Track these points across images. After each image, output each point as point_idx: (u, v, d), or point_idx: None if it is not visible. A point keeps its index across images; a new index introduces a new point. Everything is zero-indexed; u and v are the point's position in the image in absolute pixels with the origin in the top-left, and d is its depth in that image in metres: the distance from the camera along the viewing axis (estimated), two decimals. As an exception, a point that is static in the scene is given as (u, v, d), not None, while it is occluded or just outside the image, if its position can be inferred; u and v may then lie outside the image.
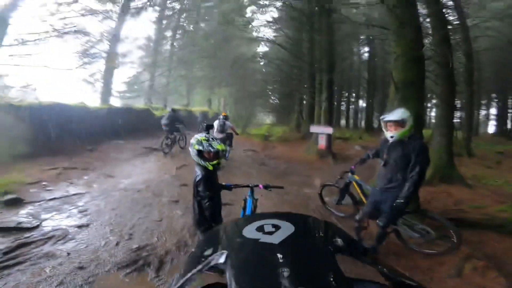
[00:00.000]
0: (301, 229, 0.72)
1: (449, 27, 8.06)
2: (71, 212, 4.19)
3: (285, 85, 19.49)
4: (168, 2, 18.20)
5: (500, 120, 23.09)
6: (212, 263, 0.65)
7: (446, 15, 8.53)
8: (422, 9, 7.00)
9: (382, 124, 2.91)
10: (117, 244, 3.34)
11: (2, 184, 4.71)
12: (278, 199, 5.46)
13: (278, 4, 14.58)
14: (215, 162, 2.42)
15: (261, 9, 15.00)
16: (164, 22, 18.92)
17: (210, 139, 2.37)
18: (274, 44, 16.63)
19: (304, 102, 18.02)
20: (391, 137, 2.79)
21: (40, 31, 11.81)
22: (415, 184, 2.67)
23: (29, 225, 3.49)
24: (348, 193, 4.33)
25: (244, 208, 2.76)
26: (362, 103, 25.84)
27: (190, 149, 2.43)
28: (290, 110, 21.67)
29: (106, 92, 14.54)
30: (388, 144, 2.90)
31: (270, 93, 22.87)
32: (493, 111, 25.30)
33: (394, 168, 2.80)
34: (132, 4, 15.32)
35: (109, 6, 14.46)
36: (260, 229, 0.71)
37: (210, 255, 0.68)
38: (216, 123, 8.03)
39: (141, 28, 19.49)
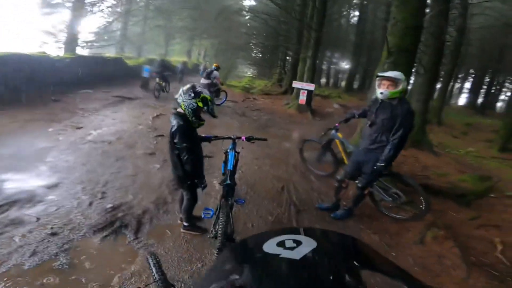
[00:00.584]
0: (323, 244, 0.71)
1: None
2: (39, 169, 3.84)
3: (270, 40, 18.88)
4: None
5: (472, 94, 24.62)
6: (232, 278, 0.63)
7: None
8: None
9: (376, 83, 2.84)
10: (90, 204, 3.15)
11: None
12: (260, 152, 5.46)
13: None
14: (202, 122, 2.36)
15: None
16: None
17: (213, 101, 2.28)
18: None
19: (288, 58, 17.86)
20: (381, 93, 2.76)
21: None
22: (396, 148, 2.71)
23: None
24: (330, 151, 4.31)
25: (226, 162, 2.63)
26: (344, 65, 25.97)
27: (183, 99, 2.25)
28: (272, 64, 21.49)
29: (71, 42, 13.01)
30: (377, 105, 2.87)
31: (253, 46, 22.17)
32: (467, 85, 26.83)
33: (380, 129, 2.81)
34: None
35: None
36: (281, 244, 0.69)
37: (230, 270, 0.68)
38: (203, 69, 9.53)
39: None
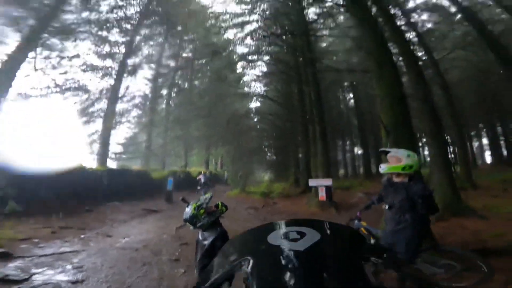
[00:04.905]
0: (327, 237, 0.73)
1: (420, 63, 8.69)
2: (65, 268, 3.88)
3: (279, 140, 19.71)
4: (163, 59, 19.05)
5: (494, 149, 22.98)
6: (236, 269, 0.65)
7: (416, 52, 9.25)
8: (393, 49, 7.62)
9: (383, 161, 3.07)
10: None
11: None
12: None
13: (266, 58, 15.55)
14: (224, 209, 2.19)
15: (250, 64, 15.88)
16: (160, 80, 19.38)
17: (198, 203, 2.11)
18: (265, 98, 17.37)
19: (300, 155, 17.99)
20: (380, 167, 2.90)
21: (43, 86, 11.95)
22: (423, 223, 2.73)
23: (17, 278, 3.21)
24: None
25: None
26: (358, 150, 25.78)
27: (190, 220, 2.05)
28: (287, 165, 21.48)
29: (104, 153, 14.32)
30: (391, 188, 2.98)
31: (266, 149, 22.91)
32: (485, 141, 25.11)
33: (400, 210, 2.84)
34: (130, 61, 16.04)
35: (108, 62, 15.00)
36: (285, 236, 0.71)
37: (234, 261, 0.68)
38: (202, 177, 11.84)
39: (138, 87, 18.63)
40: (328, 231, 0.78)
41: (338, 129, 21.19)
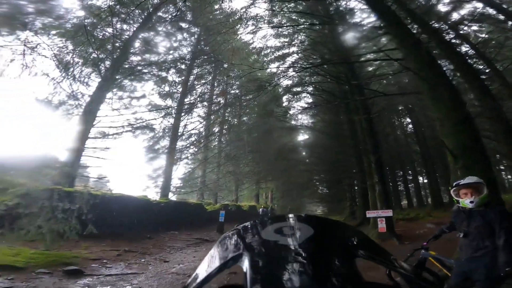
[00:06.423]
0: (320, 232, 0.73)
1: (483, 76, 7.55)
2: None
3: (331, 173, 18.75)
4: (214, 97, 20.36)
5: None
6: (230, 264, 0.66)
7: (475, 66, 8.01)
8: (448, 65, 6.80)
9: (453, 194, 2.78)
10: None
11: (68, 256, 5.18)
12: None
13: (309, 89, 15.38)
14: None
15: (295, 96, 16.00)
16: (212, 117, 20.53)
17: None
18: (312, 130, 17.22)
19: (356, 188, 17.10)
20: (471, 202, 2.61)
21: (117, 125, 13.49)
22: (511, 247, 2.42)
23: None
24: (426, 270, 3.79)
25: None
26: (422, 179, 23.50)
27: None
28: (341, 197, 20.43)
29: (166, 187, 15.44)
30: (463, 215, 2.76)
31: (317, 183, 22.29)
32: None
33: (477, 237, 2.64)
34: (186, 100, 17.65)
35: (168, 101, 16.85)
36: (279, 231, 0.71)
37: (228, 256, 0.69)
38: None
39: (193, 125, 19.72)
40: (322, 226, 0.78)
41: (396, 157, 19.51)
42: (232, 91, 20.28)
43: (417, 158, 20.73)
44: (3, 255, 4.38)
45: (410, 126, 21.34)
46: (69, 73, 11.65)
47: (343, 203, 19.57)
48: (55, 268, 4.44)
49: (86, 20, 10.88)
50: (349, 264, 0.61)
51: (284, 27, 12.13)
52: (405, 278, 0.65)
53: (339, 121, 16.05)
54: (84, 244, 6.48)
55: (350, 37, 10.71)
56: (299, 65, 11.30)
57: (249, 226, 0.84)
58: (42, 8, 9.55)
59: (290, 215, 0.86)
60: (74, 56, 11.39)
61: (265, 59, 14.67)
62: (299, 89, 15.15)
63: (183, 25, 16.35)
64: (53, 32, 10.58)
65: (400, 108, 19.81)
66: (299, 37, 13.47)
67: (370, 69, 14.21)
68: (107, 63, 12.79)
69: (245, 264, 0.61)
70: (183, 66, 17.53)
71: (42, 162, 10.45)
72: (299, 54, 12.96)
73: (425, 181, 21.74)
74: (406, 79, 14.22)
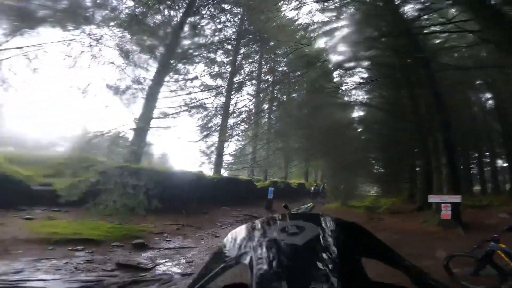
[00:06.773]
0: (326, 231, 0.73)
1: None
2: (180, 261, 4.74)
3: (389, 151, 17.74)
4: (262, 75, 20.53)
5: None
6: (235, 263, 0.67)
7: None
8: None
9: None
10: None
11: (136, 230, 6.02)
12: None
13: (365, 63, 14.15)
14: None
15: (347, 72, 14.97)
16: (261, 95, 20.94)
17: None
18: (369, 107, 16.09)
19: (417, 168, 15.87)
20: None
21: (175, 106, 15.00)
22: None
23: (145, 266, 4.18)
24: (491, 264, 3.86)
25: None
26: (502, 163, 20.27)
27: None
28: (398, 178, 19.22)
29: (218, 163, 16.52)
30: None
31: (373, 161, 21.04)
32: None
33: None
34: (235, 79, 18.29)
35: (219, 81, 17.91)
36: (284, 230, 0.72)
37: (232, 255, 0.71)
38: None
39: (243, 103, 20.37)
40: (328, 225, 0.78)
41: (471, 137, 17.26)
42: (280, 69, 19.94)
43: (497, 138, 17.82)
44: (87, 229, 5.39)
45: (490, 102, 18.33)
46: (130, 60, 12.85)
47: (401, 184, 18.41)
48: (126, 241, 5.25)
49: (136, 10, 11.61)
50: (355, 264, 0.61)
51: (330, 1, 11.19)
52: (412, 279, 0.64)
53: (399, 96, 14.66)
54: (149, 218, 7.44)
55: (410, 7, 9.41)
56: (351, 39, 10.32)
57: (255, 225, 0.86)
58: (97, 1, 10.43)
59: (295, 214, 0.88)
60: (132, 44, 12.37)
61: (312, 34, 14.10)
62: (351, 64, 14.08)
63: (225, 6, 16.35)
64: (112, 23, 11.62)
65: (477, 82, 17.19)
66: (348, 11, 12.43)
67: (438, 41, 12.47)
68: (161, 49, 13.71)
69: (249, 263, 0.62)
70: (229, 47, 17.94)
71: (115, 141, 12.12)
72: (351, 28, 11.99)
73: (505, 164, 18.77)
74: (483, 53, 12.30)
